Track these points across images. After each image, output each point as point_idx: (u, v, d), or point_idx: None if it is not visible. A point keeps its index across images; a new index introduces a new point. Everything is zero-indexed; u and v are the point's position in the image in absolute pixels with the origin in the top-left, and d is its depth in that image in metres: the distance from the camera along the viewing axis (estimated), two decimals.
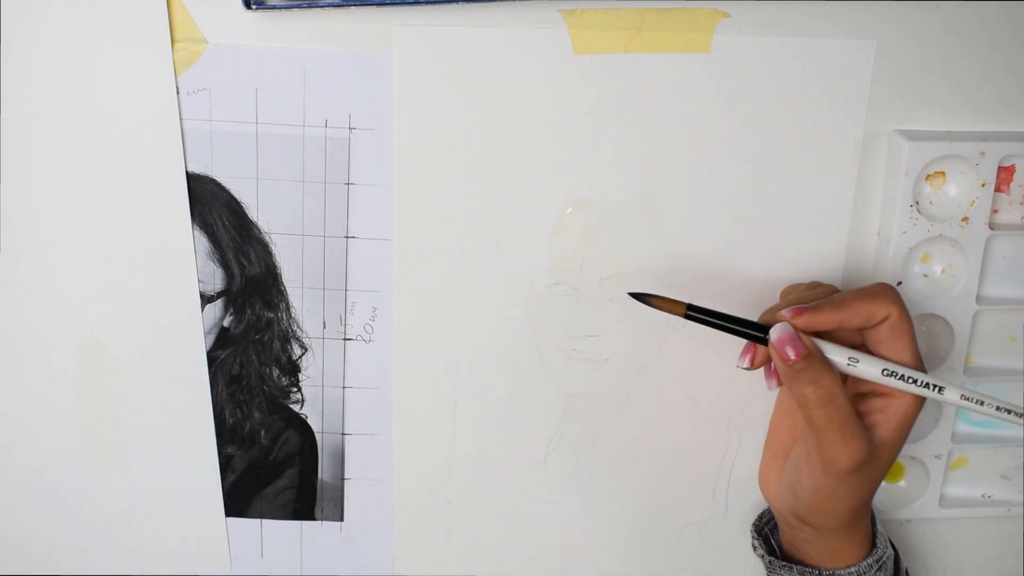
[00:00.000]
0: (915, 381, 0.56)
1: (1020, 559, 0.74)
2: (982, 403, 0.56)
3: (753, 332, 0.57)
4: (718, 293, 0.65)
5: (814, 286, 0.61)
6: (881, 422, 0.57)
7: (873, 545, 0.62)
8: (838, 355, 0.56)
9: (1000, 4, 0.60)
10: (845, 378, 0.57)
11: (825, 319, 0.55)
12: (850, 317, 0.55)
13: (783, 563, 0.64)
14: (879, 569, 0.62)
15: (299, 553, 0.71)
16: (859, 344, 0.58)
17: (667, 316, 0.65)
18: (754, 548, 0.67)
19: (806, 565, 0.63)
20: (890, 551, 0.63)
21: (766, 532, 0.68)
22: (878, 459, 0.57)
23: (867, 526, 0.62)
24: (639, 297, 0.60)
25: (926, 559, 0.74)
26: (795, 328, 0.55)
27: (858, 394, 0.58)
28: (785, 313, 0.56)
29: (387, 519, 0.70)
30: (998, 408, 0.56)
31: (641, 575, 0.73)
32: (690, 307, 0.58)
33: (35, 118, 0.60)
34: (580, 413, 0.68)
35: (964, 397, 0.56)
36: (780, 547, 0.66)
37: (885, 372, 0.56)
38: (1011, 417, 0.56)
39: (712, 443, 0.69)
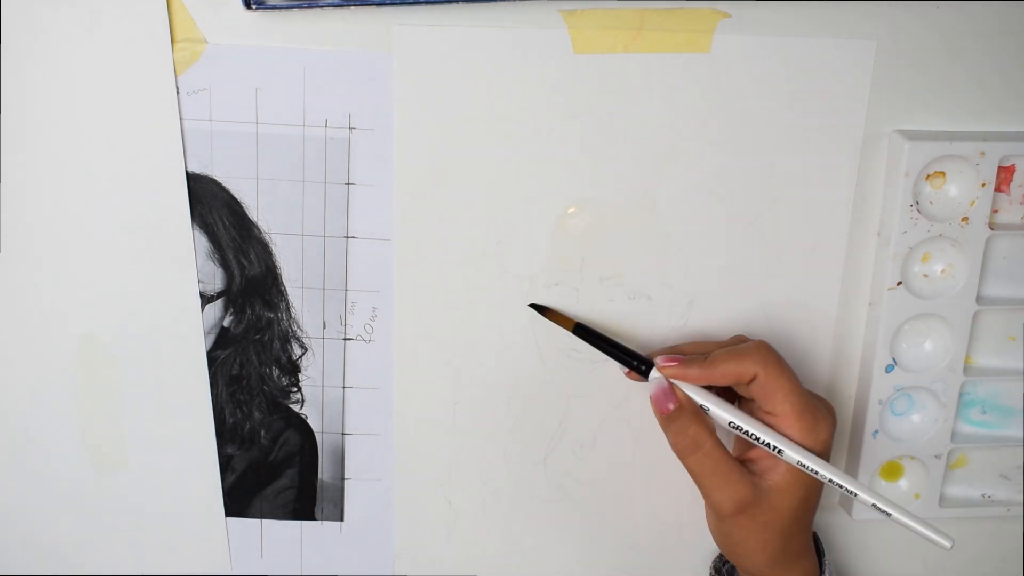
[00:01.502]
0: (758, 439, 0.59)
1: (1020, 559, 0.74)
2: (814, 470, 0.58)
3: (634, 362, 0.61)
4: (718, 293, 0.65)
5: (715, 345, 0.63)
6: (770, 467, 0.59)
7: None
8: (713, 406, 0.60)
9: (1000, 4, 0.60)
10: None
11: (693, 375, 0.59)
12: (717, 376, 0.59)
13: None
14: None
15: (299, 553, 0.71)
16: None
17: (667, 316, 0.65)
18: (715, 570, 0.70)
19: None
20: None
21: (724, 570, 0.69)
22: (768, 503, 0.59)
23: (805, 568, 0.62)
24: (538, 308, 0.64)
25: (926, 559, 0.74)
26: (669, 379, 0.60)
27: (742, 441, 0.60)
28: (659, 360, 0.60)
29: (387, 519, 0.70)
30: (831, 481, 0.58)
31: (641, 575, 0.73)
32: (578, 326, 0.63)
33: (35, 118, 0.60)
34: (580, 413, 0.68)
35: (800, 464, 0.58)
36: None
37: (731, 425, 0.59)
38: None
39: None
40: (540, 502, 0.70)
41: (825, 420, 0.59)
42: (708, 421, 0.59)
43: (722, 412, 0.59)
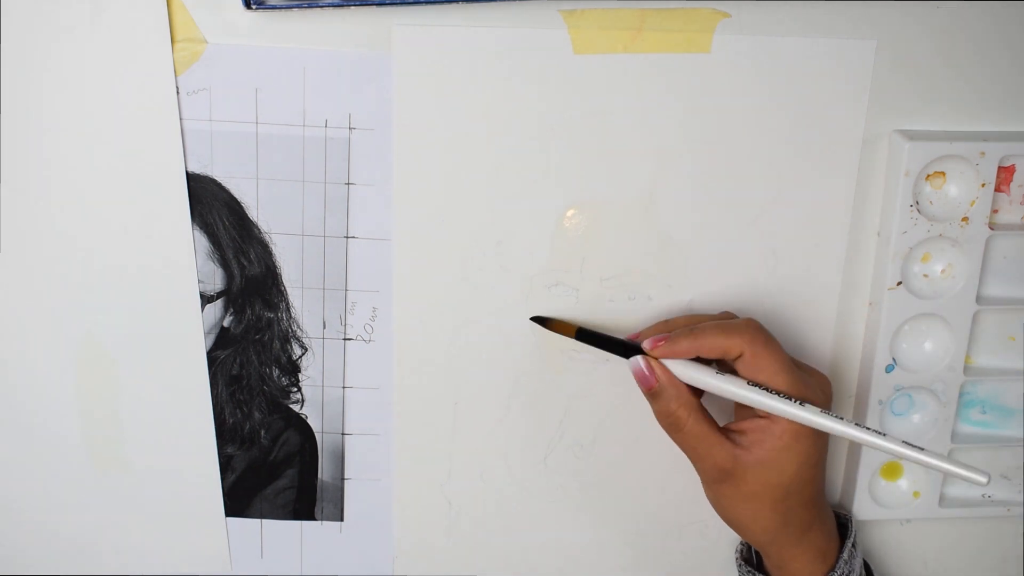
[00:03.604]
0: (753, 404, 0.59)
1: (1020, 559, 0.74)
2: (842, 418, 0.58)
3: (629, 352, 0.62)
4: (718, 293, 0.65)
5: (705, 318, 0.63)
6: (759, 440, 0.59)
7: (832, 567, 0.63)
8: (702, 373, 0.60)
9: (1000, 4, 0.60)
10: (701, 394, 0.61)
11: (681, 349, 0.60)
12: (705, 349, 0.59)
13: (749, 570, 0.67)
14: None
15: (299, 553, 0.71)
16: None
17: (667, 316, 0.65)
18: (736, 551, 0.70)
19: None
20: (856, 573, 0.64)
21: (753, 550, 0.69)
22: (753, 474, 0.59)
23: (818, 542, 0.63)
24: (539, 321, 0.65)
25: (926, 559, 0.74)
26: (651, 359, 0.60)
27: (753, 414, 0.60)
28: (645, 344, 0.60)
29: (387, 519, 0.70)
30: (857, 425, 0.57)
31: (641, 575, 0.73)
32: (580, 331, 0.64)
33: (35, 118, 0.60)
34: (580, 413, 0.68)
35: (798, 417, 0.58)
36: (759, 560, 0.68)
37: (750, 383, 0.59)
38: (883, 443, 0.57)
39: None
40: (540, 502, 0.70)
41: (816, 396, 0.59)
42: (689, 397, 0.60)
43: (714, 381, 0.59)
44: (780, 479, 0.59)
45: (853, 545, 0.64)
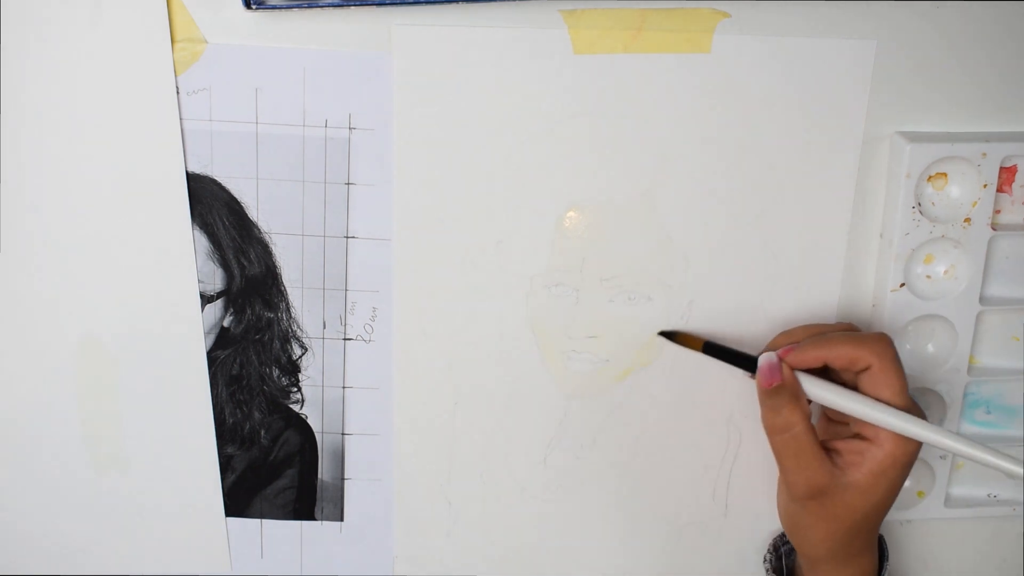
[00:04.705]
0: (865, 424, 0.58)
1: (1020, 559, 0.74)
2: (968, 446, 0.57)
3: (750, 365, 0.62)
4: (718, 293, 0.65)
5: (832, 327, 0.63)
6: (856, 463, 0.59)
7: None
8: (824, 388, 0.59)
9: (1000, 4, 0.60)
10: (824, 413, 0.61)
11: (809, 357, 0.59)
12: (833, 356, 0.59)
13: None
14: None
15: (299, 553, 0.71)
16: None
17: (667, 316, 0.65)
18: (764, 560, 0.70)
19: None
20: None
21: (782, 551, 0.69)
22: (843, 496, 0.59)
23: (864, 566, 0.63)
24: (667, 336, 0.66)
25: (926, 560, 0.74)
26: (780, 361, 0.60)
27: (850, 434, 0.60)
28: (778, 351, 0.60)
29: (387, 519, 0.70)
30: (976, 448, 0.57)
31: (641, 575, 0.73)
32: (707, 344, 0.64)
33: (35, 118, 0.60)
34: (580, 413, 0.68)
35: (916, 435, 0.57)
36: (790, 568, 0.68)
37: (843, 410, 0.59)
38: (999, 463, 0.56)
39: (712, 443, 0.69)
40: (540, 502, 0.70)
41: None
42: (805, 405, 0.59)
43: (833, 396, 0.59)
44: (865, 503, 0.59)
45: (888, 568, 0.65)
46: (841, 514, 0.59)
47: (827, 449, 0.60)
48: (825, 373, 0.61)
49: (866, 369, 0.58)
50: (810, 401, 0.60)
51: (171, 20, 0.58)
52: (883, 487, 0.58)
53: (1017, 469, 0.55)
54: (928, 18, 0.60)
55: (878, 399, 0.58)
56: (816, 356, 0.59)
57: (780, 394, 0.59)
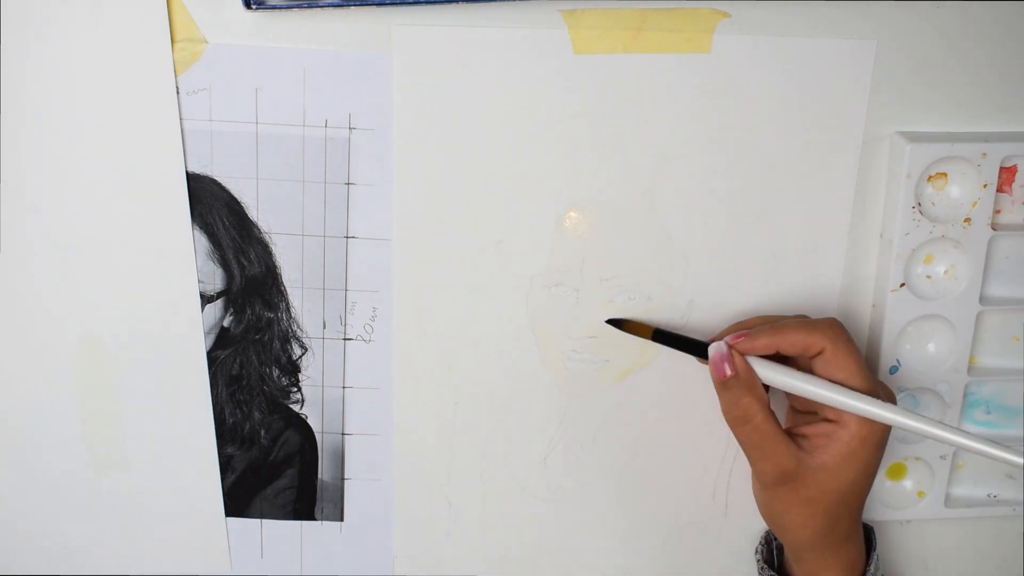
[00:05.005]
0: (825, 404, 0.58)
1: (1020, 560, 0.74)
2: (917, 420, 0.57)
3: (704, 352, 0.61)
4: (718, 293, 0.65)
5: (784, 318, 0.63)
6: (823, 445, 0.59)
7: None
8: (780, 372, 0.59)
9: (1000, 4, 0.60)
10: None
11: (761, 344, 0.59)
12: (786, 344, 0.59)
13: (771, 574, 0.66)
14: None
15: (299, 553, 0.71)
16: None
17: (667, 316, 0.65)
18: (756, 552, 0.69)
19: None
20: None
21: (773, 544, 0.69)
22: (813, 479, 0.59)
23: (851, 554, 0.63)
24: (614, 323, 0.65)
25: (926, 560, 0.74)
26: (731, 350, 0.60)
27: (809, 413, 0.61)
28: (728, 339, 0.60)
29: (387, 519, 0.70)
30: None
31: (641, 575, 0.73)
32: (656, 331, 0.64)
33: (35, 118, 0.60)
34: (580, 413, 0.68)
35: (879, 416, 0.57)
36: (780, 563, 0.68)
37: (797, 392, 0.59)
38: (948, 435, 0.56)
39: (712, 443, 0.69)
40: (540, 502, 0.70)
41: (888, 400, 0.59)
42: (762, 393, 0.59)
43: (790, 379, 0.59)
44: (839, 485, 0.59)
45: (877, 558, 0.64)
46: (815, 496, 0.59)
47: (794, 435, 0.60)
48: (779, 362, 0.61)
49: (819, 353, 0.58)
50: (768, 388, 0.60)
51: (171, 20, 0.58)
52: (854, 467, 0.58)
53: (961, 439, 0.55)
54: (928, 18, 0.60)
55: (834, 382, 0.58)
56: (767, 343, 0.59)
57: (735, 385, 0.59)
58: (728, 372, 0.59)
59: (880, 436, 0.58)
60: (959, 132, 0.62)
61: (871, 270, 0.66)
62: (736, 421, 0.60)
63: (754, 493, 0.63)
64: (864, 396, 0.57)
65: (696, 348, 0.62)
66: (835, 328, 0.59)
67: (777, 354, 0.60)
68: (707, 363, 0.61)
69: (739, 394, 0.59)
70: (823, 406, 0.59)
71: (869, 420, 0.57)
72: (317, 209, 0.63)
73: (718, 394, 0.61)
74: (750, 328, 0.61)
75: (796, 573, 0.64)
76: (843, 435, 0.58)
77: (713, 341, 0.61)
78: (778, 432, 0.59)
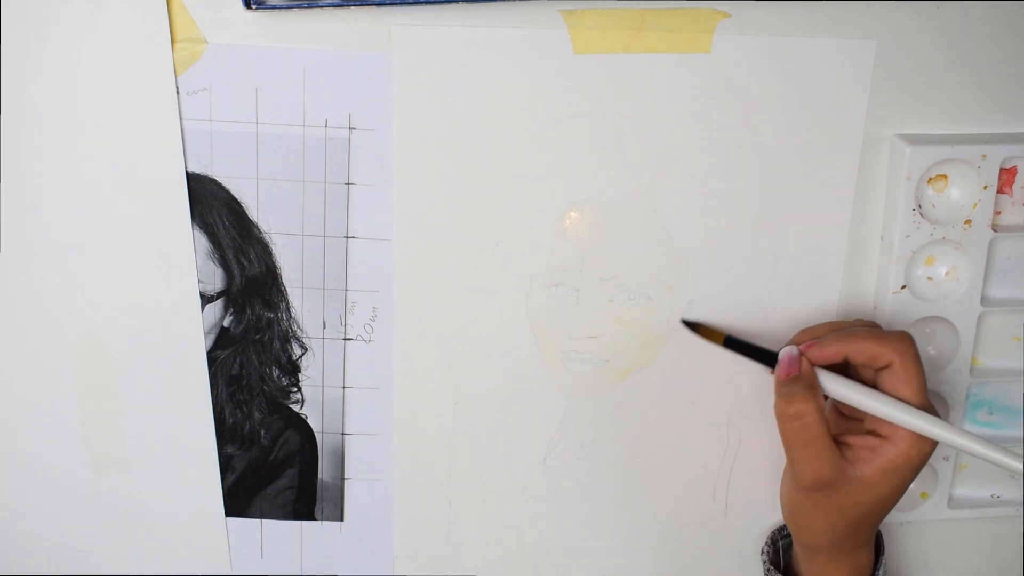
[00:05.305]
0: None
1: (1020, 560, 0.74)
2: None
3: (771, 361, 0.62)
4: (718, 293, 0.65)
5: (854, 324, 0.63)
6: (866, 459, 0.59)
7: None
8: (842, 384, 0.60)
9: (1000, 5, 0.60)
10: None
11: (830, 352, 0.59)
12: (855, 352, 0.59)
13: (777, 574, 0.66)
14: None
15: (299, 553, 0.71)
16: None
17: (667, 316, 0.65)
18: (762, 552, 0.69)
19: None
20: None
21: (780, 544, 0.69)
22: (849, 489, 0.59)
23: (862, 560, 0.63)
24: (689, 325, 0.65)
25: (927, 560, 0.74)
26: (800, 354, 0.60)
27: (864, 431, 0.60)
28: (800, 347, 0.61)
29: (387, 519, 0.70)
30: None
31: (641, 575, 0.73)
32: (728, 338, 0.64)
33: (35, 118, 0.60)
34: (580, 413, 0.68)
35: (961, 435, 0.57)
36: (787, 563, 0.68)
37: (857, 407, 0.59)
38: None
39: (712, 443, 0.69)
40: (540, 502, 0.70)
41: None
42: (819, 397, 0.59)
43: (852, 393, 0.59)
44: (871, 499, 0.59)
45: (885, 563, 0.65)
46: (845, 506, 0.59)
47: (838, 443, 0.60)
48: (844, 370, 0.61)
49: (887, 367, 0.58)
50: (826, 398, 0.60)
51: (171, 20, 0.58)
52: (891, 485, 0.59)
53: None
54: (928, 18, 0.60)
55: (897, 397, 0.58)
56: (837, 351, 0.59)
57: (795, 383, 0.59)
58: (784, 373, 0.60)
59: (925, 457, 0.58)
60: (959, 134, 0.62)
61: (872, 272, 0.66)
62: (788, 417, 0.59)
63: (781, 491, 0.63)
64: (926, 415, 0.57)
65: (766, 357, 0.62)
66: (905, 341, 0.58)
67: (844, 360, 0.60)
68: (774, 372, 0.61)
69: (796, 391, 0.59)
70: (872, 418, 0.59)
71: (919, 440, 0.57)
72: (317, 209, 0.63)
73: (776, 392, 0.60)
74: (818, 335, 0.61)
75: (803, 571, 0.64)
76: (890, 452, 0.58)
77: (783, 348, 0.61)
78: (827, 437, 0.59)
